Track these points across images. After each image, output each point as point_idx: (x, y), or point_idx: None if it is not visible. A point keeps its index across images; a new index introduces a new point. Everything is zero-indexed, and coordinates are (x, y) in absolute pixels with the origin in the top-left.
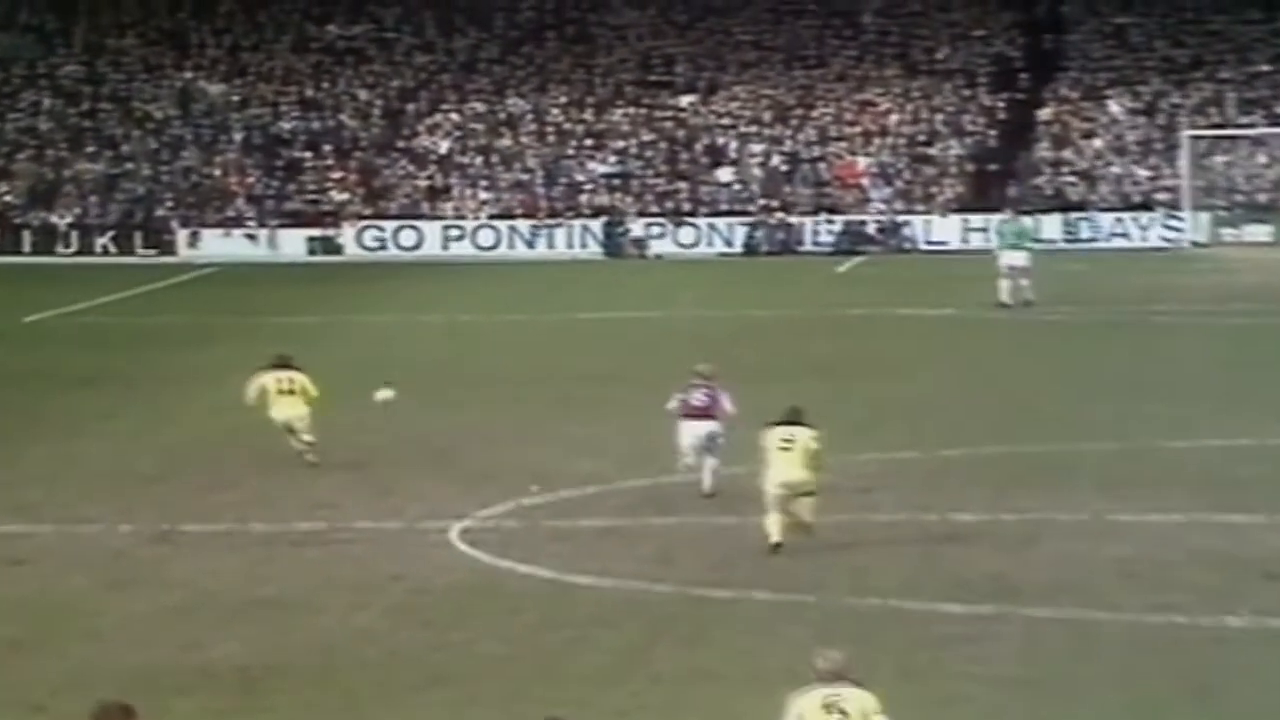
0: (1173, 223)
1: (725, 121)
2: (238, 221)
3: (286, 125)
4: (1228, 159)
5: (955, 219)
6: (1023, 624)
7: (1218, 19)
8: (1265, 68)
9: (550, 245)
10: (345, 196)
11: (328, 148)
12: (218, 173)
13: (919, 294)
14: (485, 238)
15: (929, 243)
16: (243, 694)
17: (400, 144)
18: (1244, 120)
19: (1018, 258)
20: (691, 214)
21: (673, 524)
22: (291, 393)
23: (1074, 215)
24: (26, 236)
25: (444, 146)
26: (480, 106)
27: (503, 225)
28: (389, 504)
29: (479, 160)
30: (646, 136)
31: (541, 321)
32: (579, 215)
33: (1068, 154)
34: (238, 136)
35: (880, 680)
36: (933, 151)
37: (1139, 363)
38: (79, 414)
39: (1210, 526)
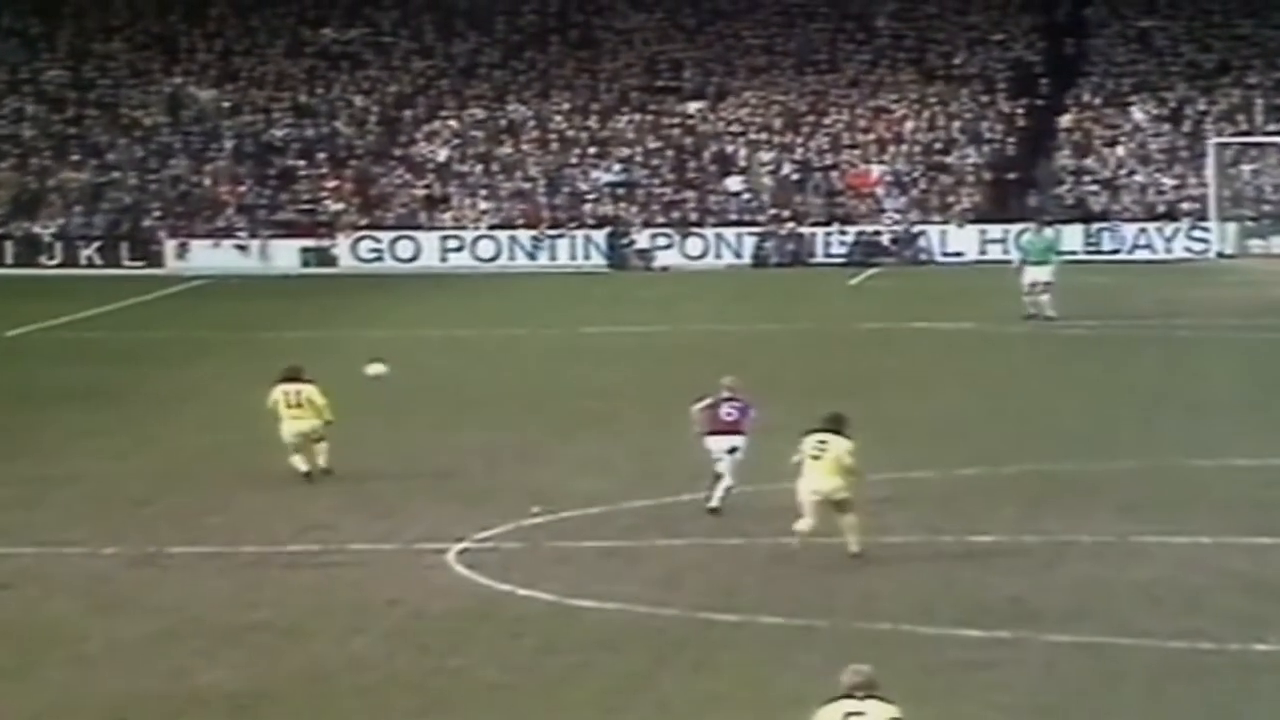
0: (1198, 234)
1: (734, 128)
2: (228, 232)
3: (279, 132)
4: (1255, 167)
5: (972, 230)
6: (1042, 650)
7: (1245, 22)
8: None
9: (553, 257)
10: (340, 206)
11: (322, 156)
12: (208, 181)
13: (935, 307)
14: (485, 249)
15: (945, 254)
16: None
17: (397, 152)
18: (1272, 127)
19: (1043, 273)
20: (699, 224)
21: (679, 545)
22: (300, 406)
23: (1096, 226)
24: (9, 248)
25: (443, 154)
26: (480, 113)
27: (503, 236)
28: (385, 525)
29: (479, 169)
30: (652, 144)
31: (543, 336)
32: (582, 226)
33: (1089, 162)
34: (229, 144)
35: None
36: (949, 160)
37: (1163, 379)
38: (62, 432)
39: (1238, 549)
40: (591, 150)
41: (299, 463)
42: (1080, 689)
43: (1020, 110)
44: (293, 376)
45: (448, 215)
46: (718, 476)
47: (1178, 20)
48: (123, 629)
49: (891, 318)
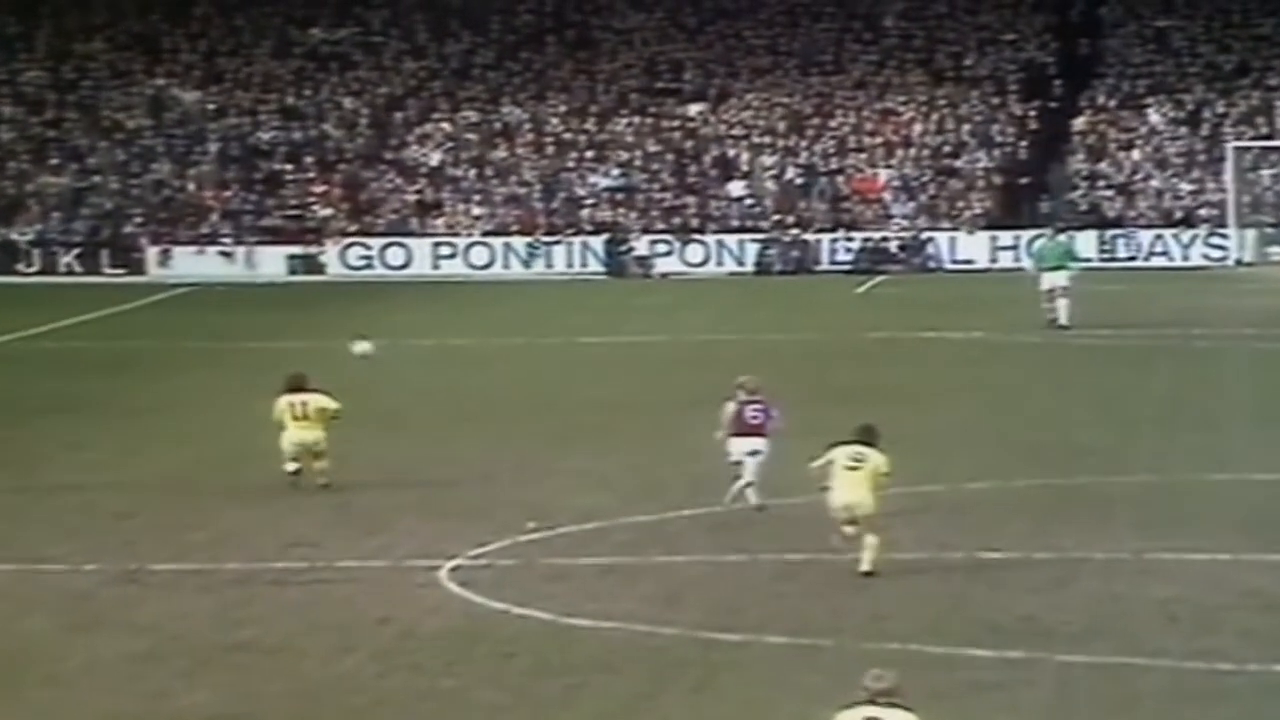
0: (1216, 240)
1: (736, 131)
2: (212, 239)
3: (266, 135)
4: (1276, 172)
5: (983, 236)
6: (1055, 670)
7: (1266, 22)
8: None
9: (549, 264)
10: (329, 212)
11: (310, 159)
12: (191, 186)
13: (944, 316)
14: (479, 256)
15: (955, 262)
16: None
17: (388, 155)
18: None
19: (1060, 278)
20: (700, 231)
21: (679, 562)
22: (306, 418)
23: (1111, 232)
24: None
25: (435, 158)
26: (474, 115)
27: (498, 243)
28: (375, 541)
29: (472, 173)
30: (652, 148)
31: (539, 346)
32: (579, 232)
33: (1104, 167)
34: (213, 147)
35: None
36: (959, 164)
37: (1180, 390)
38: (40, 445)
39: (1258, 566)
40: (589, 154)
41: (289, 464)
42: (1094, 711)
43: (1032, 113)
44: (298, 386)
45: (440, 221)
46: (737, 479)
47: (1195, 20)
48: (102, 648)
49: (899, 327)
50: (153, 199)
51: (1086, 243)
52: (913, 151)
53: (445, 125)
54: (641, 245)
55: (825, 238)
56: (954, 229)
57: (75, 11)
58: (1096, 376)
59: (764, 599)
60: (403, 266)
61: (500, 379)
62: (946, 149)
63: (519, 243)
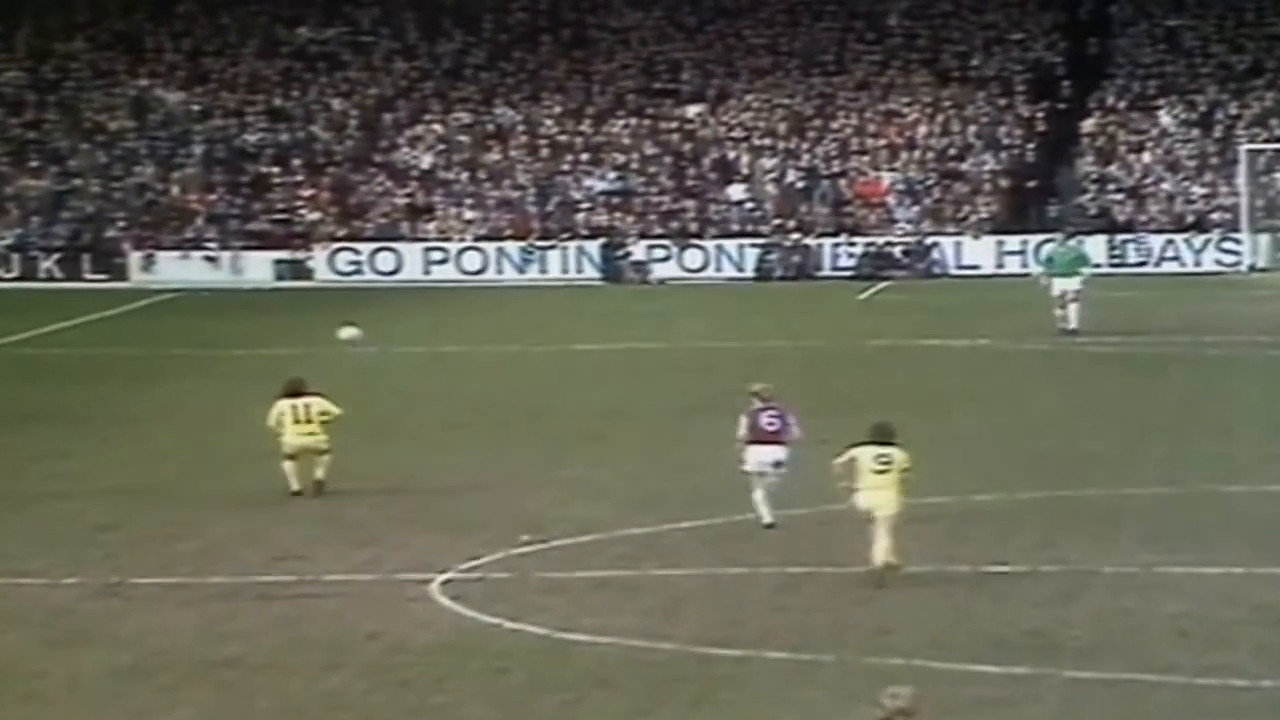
0: (1229, 245)
1: (736, 133)
2: (197, 243)
3: (252, 137)
4: None
5: (989, 241)
6: (1063, 687)
7: (1279, 22)
8: None
9: (543, 270)
10: (317, 216)
11: (298, 162)
12: (176, 190)
13: (949, 323)
14: (471, 261)
15: (960, 267)
16: None
17: (378, 158)
18: None
19: (1071, 284)
20: (699, 235)
21: (677, 575)
22: (309, 421)
23: (1121, 237)
24: None
25: (426, 161)
26: (466, 117)
27: (490, 248)
28: (364, 553)
29: (465, 176)
30: (649, 150)
31: (533, 353)
32: (575, 237)
33: (1114, 170)
34: (198, 150)
35: None
36: (965, 167)
37: (1192, 399)
38: (20, 454)
39: (1271, 580)
40: (585, 156)
41: (291, 478)
42: None
43: (1040, 114)
44: (297, 390)
45: (431, 225)
46: (761, 482)
47: (1208, 19)
48: (83, 665)
49: (903, 334)
50: (136, 202)
51: (1096, 247)
52: (917, 154)
53: (437, 127)
54: (639, 250)
55: (827, 242)
56: (959, 233)
57: (56, 10)
58: (1105, 384)
59: (764, 612)
60: (393, 272)
61: (494, 387)
62: (952, 151)
63: (513, 247)
